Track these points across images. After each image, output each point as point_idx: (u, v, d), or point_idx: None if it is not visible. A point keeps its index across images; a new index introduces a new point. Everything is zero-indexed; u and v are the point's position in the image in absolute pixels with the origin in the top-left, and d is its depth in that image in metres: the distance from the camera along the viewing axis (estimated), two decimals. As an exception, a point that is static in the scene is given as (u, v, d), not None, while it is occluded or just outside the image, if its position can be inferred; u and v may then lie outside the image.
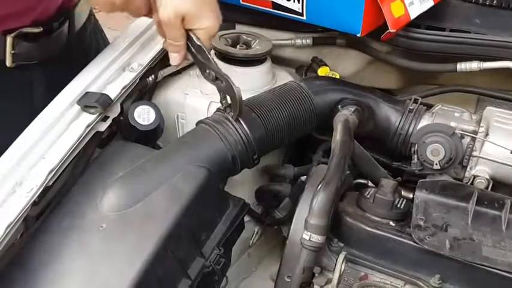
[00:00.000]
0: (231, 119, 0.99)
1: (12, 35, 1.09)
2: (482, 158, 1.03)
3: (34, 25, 1.11)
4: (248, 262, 1.31)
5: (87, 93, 1.03)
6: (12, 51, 1.09)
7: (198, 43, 0.99)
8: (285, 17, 1.19)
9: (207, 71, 0.99)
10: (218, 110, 1.03)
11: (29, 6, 1.10)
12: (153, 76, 1.14)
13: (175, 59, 1.02)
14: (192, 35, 0.99)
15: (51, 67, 1.17)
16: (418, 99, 1.12)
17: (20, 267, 0.85)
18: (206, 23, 0.98)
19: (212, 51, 1.19)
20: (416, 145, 1.05)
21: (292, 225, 0.96)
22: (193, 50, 1.00)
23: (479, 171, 1.04)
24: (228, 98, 0.99)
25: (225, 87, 0.98)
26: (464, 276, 0.89)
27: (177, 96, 1.17)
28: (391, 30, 1.08)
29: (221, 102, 1.01)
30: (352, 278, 0.94)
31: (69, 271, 0.84)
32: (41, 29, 1.11)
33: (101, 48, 1.14)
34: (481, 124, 1.04)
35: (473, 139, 1.04)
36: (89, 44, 1.28)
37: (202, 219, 0.95)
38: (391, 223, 0.96)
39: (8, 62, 1.10)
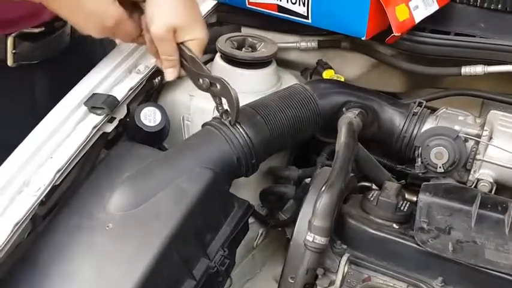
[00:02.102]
0: (237, 122, 1.00)
1: (13, 35, 1.09)
2: (486, 161, 1.04)
3: (35, 25, 1.12)
4: (252, 263, 1.32)
5: (94, 94, 1.04)
6: (13, 51, 1.10)
7: (190, 54, 1.00)
8: (290, 20, 1.20)
9: (200, 80, 1.00)
10: (215, 118, 1.02)
11: (34, 12, 1.11)
12: (159, 78, 1.15)
13: (171, 74, 1.03)
14: (184, 48, 1.00)
15: (52, 67, 1.18)
16: (422, 103, 1.12)
17: (27, 265, 0.86)
18: (197, 34, 1.01)
19: (218, 54, 1.20)
20: (420, 148, 1.06)
21: (296, 227, 0.96)
22: (185, 62, 1.01)
23: (483, 175, 1.04)
24: (225, 102, 0.98)
25: (221, 91, 0.97)
26: (466, 279, 0.90)
27: (183, 98, 1.18)
28: (396, 33, 1.09)
29: (217, 108, 1.00)
30: (355, 280, 0.94)
31: (76, 270, 0.85)
32: (43, 28, 1.12)
33: (108, 48, 1.15)
34: (485, 128, 1.05)
35: (477, 142, 1.04)
36: (92, 43, 1.29)
37: (207, 220, 0.96)
38: (395, 225, 0.96)
39: (10, 62, 1.11)
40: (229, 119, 0.98)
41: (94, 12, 0.95)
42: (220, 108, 1.00)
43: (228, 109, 0.98)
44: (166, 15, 0.97)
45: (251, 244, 1.29)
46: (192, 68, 1.01)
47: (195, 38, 1.01)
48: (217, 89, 0.98)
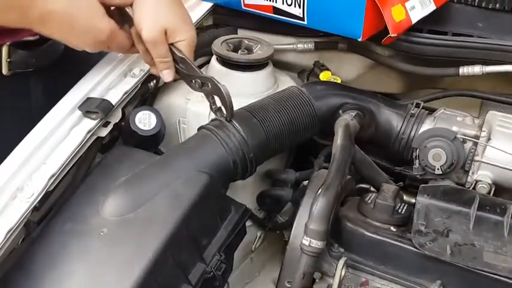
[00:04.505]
0: (232, 124, 0.99)
1: (8, 43, 1.09)
2: (484, 162, 1.02)
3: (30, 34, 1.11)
4: (251, 267, 1.31)
5: (88, 98, 1.03)
6: (8, 60, 1.10)
7: (181, 55, 1.02)
8: (286, 22, 1.20)
9: (193, 81, 1.02)
10: (211, 122, 1.02)
11: None
12: (154, 81, 1.15)
13: (168, 75, 1.05)
14: (174, 49, 1.02)
15: (48, 74, 1.18)
16: (420, 104, 1.11)
17: (21, 272, 0.85)
18: (186, 34, 1.03)
19: (214, 57, 1.20)
20: (418, 150, 1.05)
21: (292, 230, 0.95)
22: (176, 64, 1.04)
23: (482, 176, 1.03)
24: (218, 100, 1.00)
25: (212, 89, 0.99)
26: (465, 282, 0.89)
27: (179, 101, 1.17)
28: (392, 34, 1.08)
29: (211, 107, 1.02)
30: (353, 284, 0.94)
31: (70, 276, 0.84)
32: (37, 36, 1.11)
33: (103, 53, 1.14)
34: (483, 128, 1.03)
35: (475, 144, 1.03)
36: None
37: (203, 225, 0.95)
38: (392, 228, 0.95)
39: (4, 71, 1.10)
40: (225, 115, 0.99)
41: (86, 29, 0.97)
42: (214, 106, 1.01)
43: (222, 107, 1.00)
44: (155, 18, 1.00)
45: (249, 247, 1.28)
46: (184, 69, 1.03)
47: (185, 38, 1.03)
48: (209, 88, 1.00)
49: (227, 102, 0.97)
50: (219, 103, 1.00)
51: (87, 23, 0.96)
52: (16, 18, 0.93)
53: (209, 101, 1.01)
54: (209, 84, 0.99)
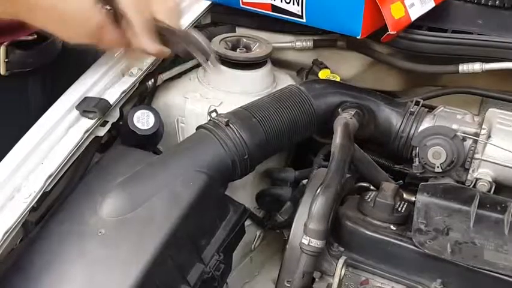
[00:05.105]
0: (231, 123, 0.99)
1: (6, 43, 1.08)
2: (484, 160, 1.02)
3: (28, 33, 1.11)
4: (250, 266, 1.31)
5: (86, 98, 1.02)
6: (6, 60, 1.09)
7: (163, 25, 0.98)
8: (285, 20, 1.19)
9: (179, 51, 1.03)
10: (209, 121, 1.02)
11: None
12: (152, 80, 1.14)
13: (152, 45, 0.98)
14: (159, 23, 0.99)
15: (46, 73, 1.17)
16: (419, 101, 1.11)
17: (19, 272, 0.85)
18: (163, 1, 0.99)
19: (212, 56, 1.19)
20: (417, 148, 1.04)
21: (292, 230, 0.95)
22: (162, 37, 1.00)
23: (482, 174, 1.02)
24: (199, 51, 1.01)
25: (193, 44, 1.01)
26: (466, 281, 0.89)
27: (177, 100, 1.16)
28: (391, 32, 1.08)
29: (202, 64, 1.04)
30: (353, 283, 0.93)
31: (68, 277, 0.84)
32: (35, 36, 1.11)
33: (101, 53, 1.14)
34: (483, 126, 1.03)
35: (475, 141, 1.03)
36: (85, 49, 1.28)
37: (202, 225, 0.94)
38: (392, 227, 0.95)
39: (2, 71, 1.10)
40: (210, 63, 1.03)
41: (75, 15, 0.93)
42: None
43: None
44: None
45: (249, 246, 1.28)
46: (171, 40, 1.01)
47: (163, 5, 0.97)
48: (192, 46, 1.01)
49: (203, 46, 1.00)
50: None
51: (76, 9, 0.92)
52: (3, 8, 0.91)
53: (202, 61, 1.03)
54: (190, 43, 1.00)
